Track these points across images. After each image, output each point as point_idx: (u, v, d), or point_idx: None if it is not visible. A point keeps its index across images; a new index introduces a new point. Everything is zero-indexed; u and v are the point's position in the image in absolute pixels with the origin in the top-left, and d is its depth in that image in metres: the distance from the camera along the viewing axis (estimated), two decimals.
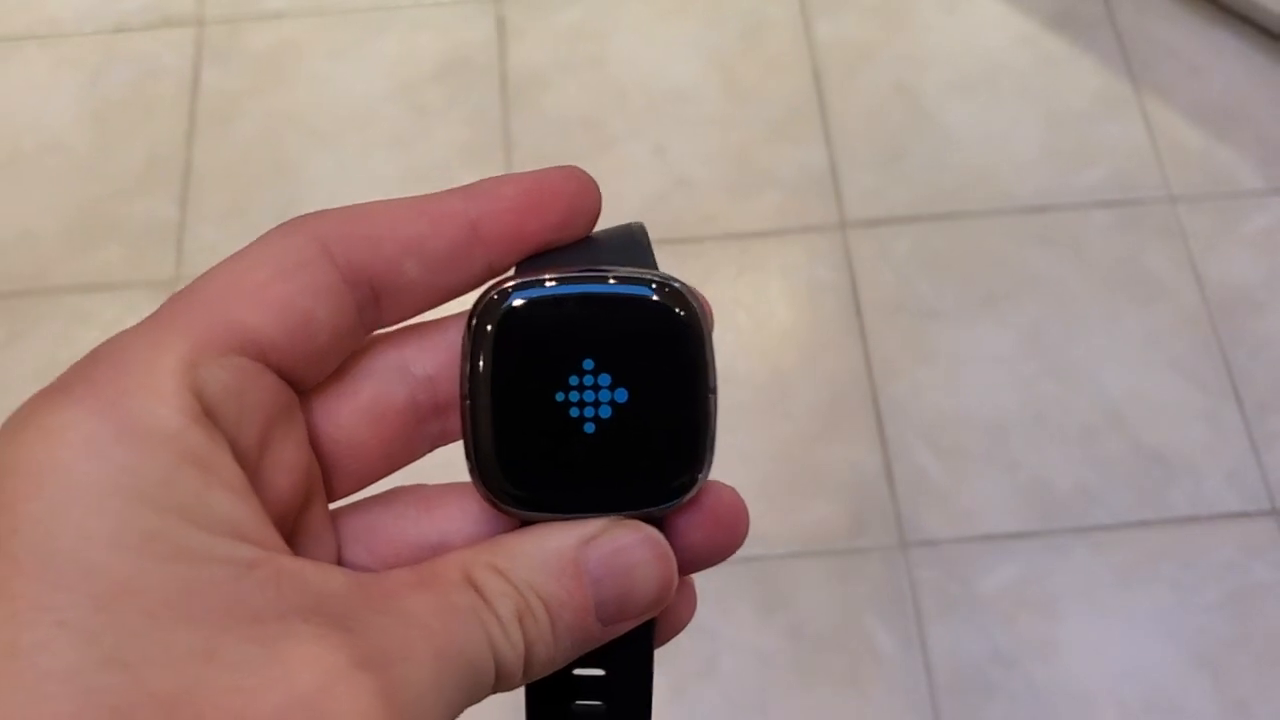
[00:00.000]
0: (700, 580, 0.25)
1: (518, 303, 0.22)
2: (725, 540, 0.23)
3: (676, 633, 0.24)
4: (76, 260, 0.99)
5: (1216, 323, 0.94)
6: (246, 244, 0.22)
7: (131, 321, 0.20)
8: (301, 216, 0.22)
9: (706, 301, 0.23)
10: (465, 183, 0.23)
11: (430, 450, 0.24)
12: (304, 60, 1.09)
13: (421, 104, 1.06)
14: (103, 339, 0.20)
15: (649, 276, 0.22)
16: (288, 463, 0.21)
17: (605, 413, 0.22)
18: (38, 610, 0.17)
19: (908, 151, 1.03)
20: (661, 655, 0.24)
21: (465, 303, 0.23)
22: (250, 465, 0.20)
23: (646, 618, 0.23)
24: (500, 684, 0.21)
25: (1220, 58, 1.07)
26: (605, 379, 0.22)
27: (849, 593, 0.85)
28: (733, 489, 0.23)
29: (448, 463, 0.25)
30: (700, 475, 0.22)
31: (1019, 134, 1.03)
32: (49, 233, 1.00)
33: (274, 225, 0.22)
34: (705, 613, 0.89)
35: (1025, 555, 0.86)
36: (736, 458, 0.87)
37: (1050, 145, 1.03)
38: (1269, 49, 1.07)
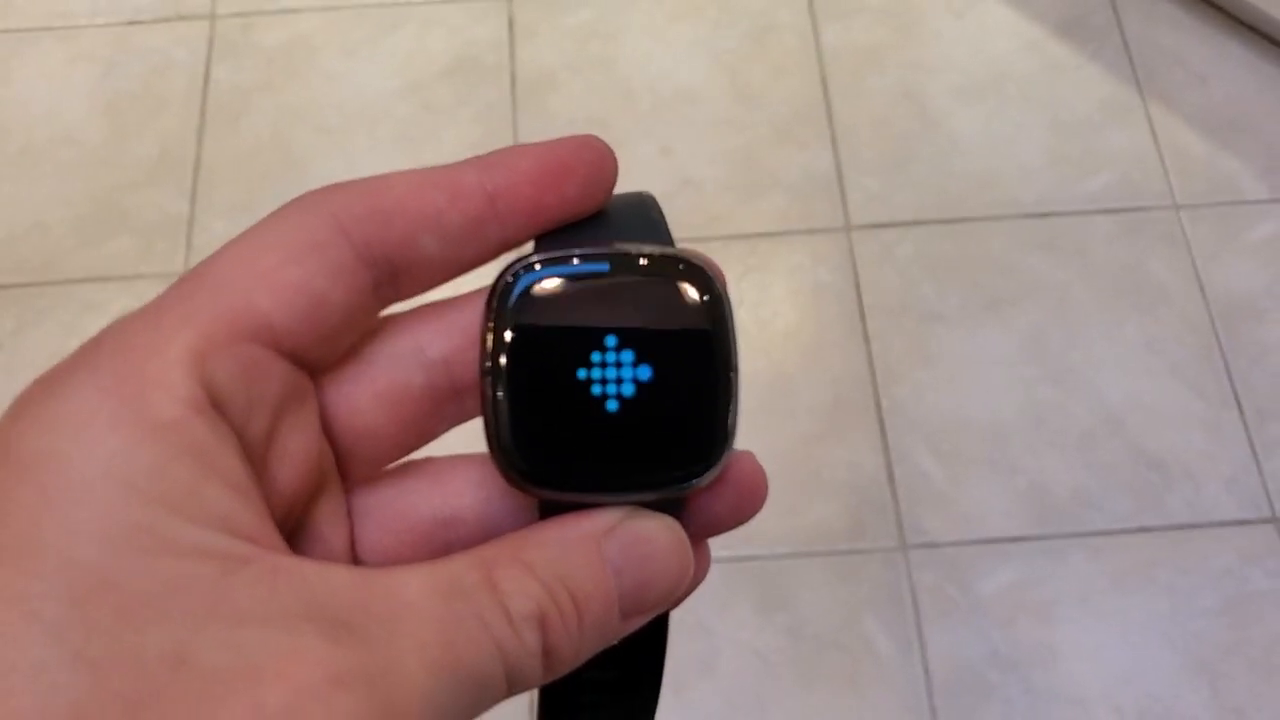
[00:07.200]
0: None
1: (538, 280, 0.21)
2: (746, 508, 0.23)
3: (690, 593, 0.23)
4: (86, 251, 0.99)
5: (1218, 330, 0.94)
6: (260, 220, 0.21)
7: None
8: (315, 192, 0.21)
9: (723, 276, 0.22)
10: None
11: (448, 430, 0.24)
12: (315, 57, 1.09)
13: (431, 102, 1.07)
14: None
15: (672, 254, 0.22)
16: (298, 451, 0.21)
17: (628, 390, 0.21)
18: (11, 600, 0.17)
19: (913, 156, 1.03)
20: None
21: (477, 278, 0.23)
22: (258, 456, 0.20)
23: (660, 611, 0.22)
24: (515, 688, 0.20)
25: (1227, 66, 1.07)
26: (628, 356, 0.21)
27: (849, 594, 0.85)
28: (750, 454, 0.23)
29: (458, 430, 0.25)
30: (723, 456, 0.22)
31: (1024, 140, 1.04)
32: (59, 224, 1.01)
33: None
34: (704, 611, 0.90)
35: (1024, 559, 0.86)
36: None
37: (1055, 152, 1.03)
38: (1276, 58, 1.07)
